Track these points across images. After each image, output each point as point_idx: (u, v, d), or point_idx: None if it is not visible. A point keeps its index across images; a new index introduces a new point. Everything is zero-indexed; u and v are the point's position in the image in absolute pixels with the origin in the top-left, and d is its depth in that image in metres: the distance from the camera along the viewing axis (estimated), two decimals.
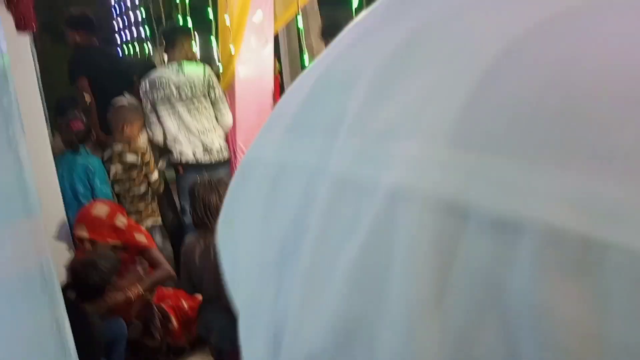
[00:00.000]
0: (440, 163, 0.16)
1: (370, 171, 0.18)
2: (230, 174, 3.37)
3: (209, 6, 3.85)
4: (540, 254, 0.14)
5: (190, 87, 3.30)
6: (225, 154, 3.44)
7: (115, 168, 3.14)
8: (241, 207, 0.25)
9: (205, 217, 2.42)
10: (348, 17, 3.99)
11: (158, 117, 3.30)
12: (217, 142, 3.39)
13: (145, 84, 3.35)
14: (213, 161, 3.37)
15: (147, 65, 4.45)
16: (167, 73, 3.34)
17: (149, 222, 3.20)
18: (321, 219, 0.19)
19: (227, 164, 3.47)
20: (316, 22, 4.32)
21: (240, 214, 0.25)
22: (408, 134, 0.17)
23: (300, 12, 3.37)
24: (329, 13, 4.38)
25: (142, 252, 2.74)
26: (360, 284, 0.18)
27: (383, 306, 0.17)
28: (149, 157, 3.22)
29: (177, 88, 3.29)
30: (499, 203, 0.15)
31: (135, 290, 2.53)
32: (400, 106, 0.18)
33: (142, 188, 3.18)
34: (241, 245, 0.24)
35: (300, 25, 3.39)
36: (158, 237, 3.18)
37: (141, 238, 2.75)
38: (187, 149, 3.31)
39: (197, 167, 3.27)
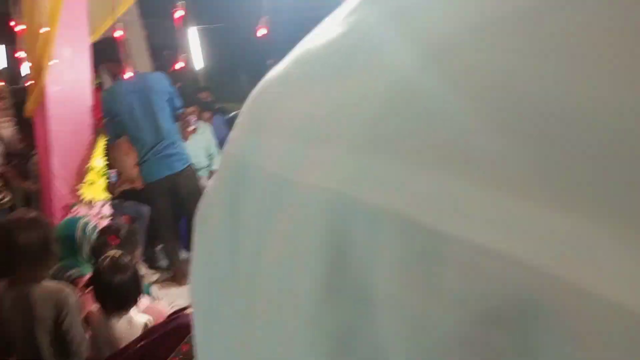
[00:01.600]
0: (342, 164, 0.19)
1: (294, 172, 0.20)
2: None
3: (11, 14, 3.40)
4: (395, 243, 0.16)
5: None
6: None
7: None
8: (213, 203, 0.26)
9: (12, 261, 2.03)
10: (172, 28, 3.79)
11: None
12: None
13: None
14: None
15: None
16: None
17: None
18: (255, 214, 0.22)
19: None
20: (138, 33, 4.04)
21: (211, 211, 0.26)
22: (325, 138, 0.20)
23: (120, 23, 3.12)
24: (152, 24, 4.13)
25: None
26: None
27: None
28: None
29: None
30: (375, 197, 0.17)
31: None
32: (323, 111, 0.20)
33: None
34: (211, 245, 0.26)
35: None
36: None
37: None
38: None
39: None
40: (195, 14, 4.04)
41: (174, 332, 1.83)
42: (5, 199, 2.91)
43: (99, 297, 2.10)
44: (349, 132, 0.19)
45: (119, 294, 2.09)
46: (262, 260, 0.21)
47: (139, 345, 1.84)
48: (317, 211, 0.19)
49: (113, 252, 2.24)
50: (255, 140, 0.23)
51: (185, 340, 1.74)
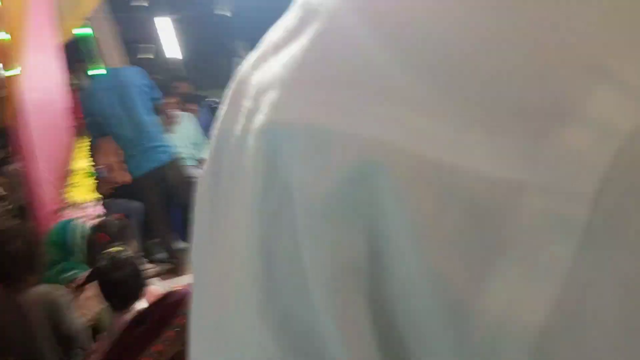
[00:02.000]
0: (275, 99, 0.24)
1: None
2: None
3: None
4: (303, 142, 0.22)
5: None
6: None
7: None
8: (203, 179, 0.30)
9: (8, 268, 2.05)
10: (144, 21, 3.76)
11: None
12: None
13: None
14: None
15: None
16: None
17: None
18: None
19: None
20: (109, 29, 4.01)
21: (201, 186, 0.30)
22: (270, 88, 0.25)
23: (89, 21, 3.09)
24: (123, 18, 4.08)
25: None
26: None
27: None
28: None
29: None
30: (296, 117, 0.22)
31: None
32: (271, 74, 0.25)
33: None
34: None
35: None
36: None
37: None
38: None
39: None
40: (167, 3, 3.98)
41: (169, 307, 1.85)
42: (9, 206, 2.92)
43: (105, 295, 2.12)
44: (283, 77, 0.24)
45: (122, 290, 2.10)
46: (229, 216, 0.25)
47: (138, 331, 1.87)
48: (257, 140, 0.24)
49: (112, 249, 2.24)
50: (229, 114, 0.27)
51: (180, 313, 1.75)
